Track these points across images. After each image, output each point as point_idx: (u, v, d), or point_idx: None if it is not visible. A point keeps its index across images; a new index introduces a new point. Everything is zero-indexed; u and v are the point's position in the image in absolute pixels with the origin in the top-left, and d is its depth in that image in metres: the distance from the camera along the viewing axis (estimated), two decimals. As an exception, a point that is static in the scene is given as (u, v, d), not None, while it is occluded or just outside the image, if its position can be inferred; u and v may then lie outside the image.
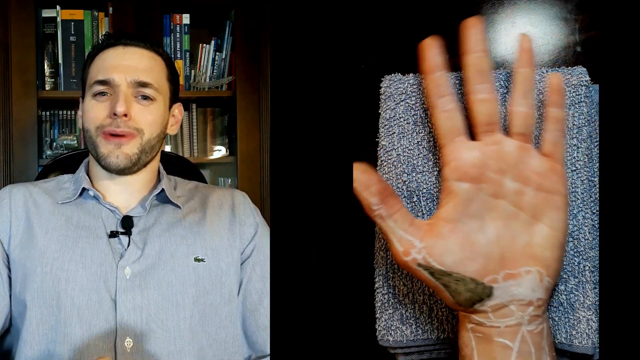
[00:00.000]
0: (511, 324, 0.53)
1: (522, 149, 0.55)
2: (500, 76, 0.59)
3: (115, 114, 0.78)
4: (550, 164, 0.55)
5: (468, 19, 0.55)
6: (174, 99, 0.88)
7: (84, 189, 0.83)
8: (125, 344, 0.75)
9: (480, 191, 0.54)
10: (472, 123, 0.56)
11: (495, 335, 0.53)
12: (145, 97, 0.81)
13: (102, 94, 0.80)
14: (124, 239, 0.80)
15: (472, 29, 0.55)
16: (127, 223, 0.81)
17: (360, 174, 0.54)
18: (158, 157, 0.88)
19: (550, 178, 0.55)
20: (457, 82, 0.60)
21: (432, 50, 0.55)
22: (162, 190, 0.85)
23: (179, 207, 0.85)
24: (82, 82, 0.86)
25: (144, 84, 0.81)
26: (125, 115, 0.78)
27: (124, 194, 0.84)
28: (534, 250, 0.54)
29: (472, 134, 0.57)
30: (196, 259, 0.81)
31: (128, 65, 0.81)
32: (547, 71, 0.59)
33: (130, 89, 0.80)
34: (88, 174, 0.86)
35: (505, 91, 0.59)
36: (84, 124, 0.83)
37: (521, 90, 0.56)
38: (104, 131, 0.79)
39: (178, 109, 0.89)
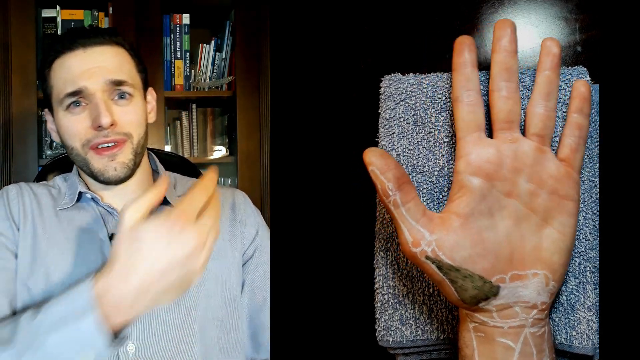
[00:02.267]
0: (514, 325, 0.53)
1: (538, 151, 0.54)
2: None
3: (100, 126, 0.75)
4: (565, 170, 0.55)
5: (501, 20, 0.55)
6: (145, 87, 0.85)
7: (80, 193, 0.82)
8: (128, 348, 0.74)
9: (493, 188, 0.54)
10: (492, 119, 0.56)
11: (497, 335, 0.53)
12: (122, 96, 0.78)
13: (76, 103, 0.77)
14: None
15: (504, 29, 0.55)
16: None
17: (378, 157, 0.52)
18: (145, 151, 0.87)
19: (565, 183, 0.54)
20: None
21: (465, 47, 0.56)
22: None
23: None
24: (46, 94, 0.81)
25: (119, 82, 0.77)
26: (112, 124, 0.76)
27: (120, 195, 0.83)
28: (543, 254, 0.54)
29: (491, 132, 0.56)
30: None
31: (96, 67, 0.77)
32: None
33: (106, 93, 0.77)
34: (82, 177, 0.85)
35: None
36: (64, 141, 0.79)
37: (543, 92, 0.55)
38: (92, 145, 0.77)
39: (150, 94, 0.87)
